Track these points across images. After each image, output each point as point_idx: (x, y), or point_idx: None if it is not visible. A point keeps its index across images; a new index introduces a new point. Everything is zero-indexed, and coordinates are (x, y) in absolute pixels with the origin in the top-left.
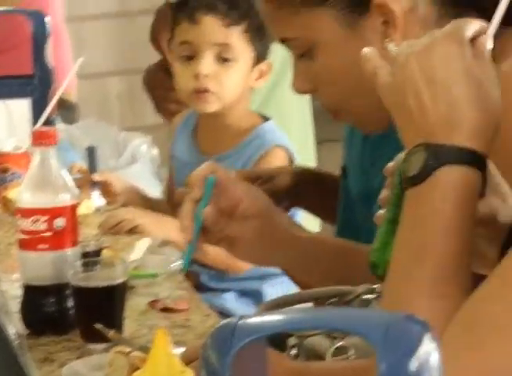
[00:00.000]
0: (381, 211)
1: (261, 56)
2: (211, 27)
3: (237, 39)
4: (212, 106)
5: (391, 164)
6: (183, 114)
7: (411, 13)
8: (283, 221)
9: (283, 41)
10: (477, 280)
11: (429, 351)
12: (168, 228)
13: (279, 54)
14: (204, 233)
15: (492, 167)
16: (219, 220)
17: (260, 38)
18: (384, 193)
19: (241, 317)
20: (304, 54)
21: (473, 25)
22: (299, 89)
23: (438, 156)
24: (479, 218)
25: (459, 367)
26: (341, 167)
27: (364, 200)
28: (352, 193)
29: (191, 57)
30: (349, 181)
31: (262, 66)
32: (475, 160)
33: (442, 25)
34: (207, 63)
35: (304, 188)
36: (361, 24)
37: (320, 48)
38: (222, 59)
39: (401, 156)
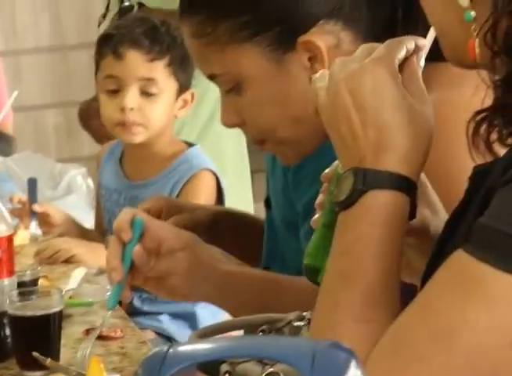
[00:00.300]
0: (317, 216)
1: (184, 86)
2: (135, 62)
3: (161, 73)
4: (138, 137)
5: (327, 171)
6: (108, 144)
7: (336, 49)
8: (210, 253)
9: (211, 77)
10: (406, 290)
11: None
12: (103, 257)
13: (215, 89)
14: (133, 272)
15: (425, 179)
16: (148, 259)
17: (183, 70)
18: (321, 198)
19: (171, 346)
20: (231, 89)
21: (405, 45)
22: (227, 123)
23: (366, 181)
24: (412, 227)
25: None
26: (265, 199)
27: (288, 227)
28: (276, 223)
29: (116, 91)
30: (273, 212)
31: (186, 95)
32: (403, 184)
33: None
34: (132, 97)
35: (223, 226)
36: (287, 60)
37: (248, 83)
38: (147, 93)
39: (337, 163)
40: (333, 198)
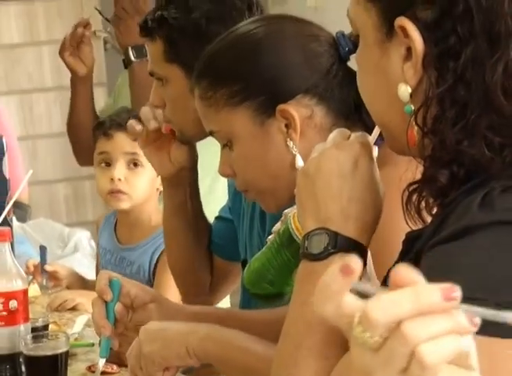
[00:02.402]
0: (270, 237)
1: None
2: (121, 141)
3: None
4: (125, 203)
5: (286, 211)
6: (106, 213)
7: (309, 120)
8: (174, 303)
9: (211, 133)
10: None
11: None
12: None
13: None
14: (117, 325)
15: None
16: (126, 312)
17: None
18: (277, 226)
19: None
20: (226, 144)
21: (364, 136)
22: (222, 173)
23: (337, 243)
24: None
25: None
26: (241, 261)
27: None
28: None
29: (108, 164)
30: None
31: None
32: (361, 250)
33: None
34: (120, 169)
35: None
36: (269, 124)
37: (237, 140)
38: (133, 165)
39: (289, 211)
40: (301, 246)
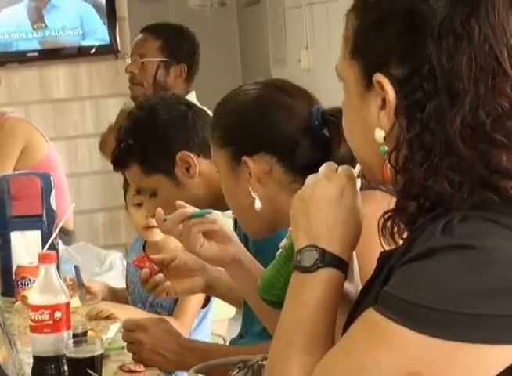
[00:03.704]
0: (278, 253)
1: None
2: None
3: None
4: (158, 236)
5: (290, 229)
6: (133, 237)
7: (268, 174)
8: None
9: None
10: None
11: None
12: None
13: None
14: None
15: (354, 256)
16: None
17: None
18: (283, 242)
19: None
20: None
21: (349, 169)
22: None
23: (325, 260)
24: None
25: None
26: None
27: None
28: None
29: (140, 205)
30: None
31: None
32: (344, 266)
33: (296, 188)
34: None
35: None
36: (238, 170)
37: (220, 174)
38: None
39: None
40: (293, 258)
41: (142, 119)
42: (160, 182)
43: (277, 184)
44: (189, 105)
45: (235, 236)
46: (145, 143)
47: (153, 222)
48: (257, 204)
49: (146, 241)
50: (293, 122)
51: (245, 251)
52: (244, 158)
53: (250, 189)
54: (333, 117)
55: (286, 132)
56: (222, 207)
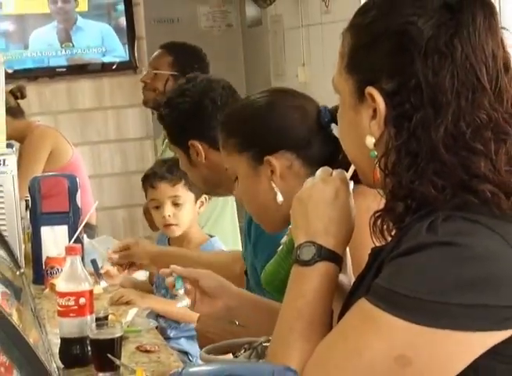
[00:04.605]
0: (279, 248)
1: (198, 194)
2: (164, 189)
3: (181, 190)
4: (175, 233)
5: (290, 226)
6: (158, 232)
7: (289, 169)
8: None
9: (226, 168)
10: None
11: None
12: (149, 301)
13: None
14: None
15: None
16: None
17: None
18: (284, 238)
19: (184, 367)
20: (236, 179)
21: (342, 173)
22: (236, 197)
23: (321, 254)
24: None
25: None
26: (244, 271)
27: (257, 285)
28: (251, 284)
29: (158, 207)
30: (249, 277)
31: (202, 198)
32: (338, 260)
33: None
34: (167, 210)
35: None
36: (259, 169)
37: (239, 177)
38: (176, 205)
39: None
40: (293, 254)
41: (172, 98)
42: (181, 157)
43: (296, 178)
44: (214, 100)
45: (222, 287)
46: (169, 121)
47: (170, 221)
48: (280, 198)
49: (169, 238)
50: (307, 120)
51: (234, 295)
52: (267, 158)
53: (274, 184)
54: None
55: (302, 130)
56: (224, 189)
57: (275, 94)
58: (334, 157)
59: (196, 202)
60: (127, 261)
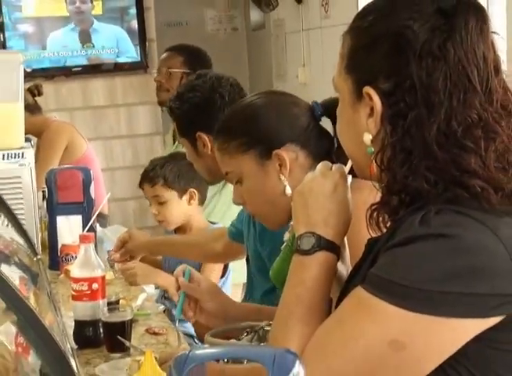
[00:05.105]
0: (283, 246)
1: (182, 190)
2: (147, 190)
3: (161, 190)
4: (167, 227)
5: (291, 223)
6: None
7: (295, 161)
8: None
9: (226, 173)
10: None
11: (298, 371)
12: (156, 278)
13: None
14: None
15: (345, 240)
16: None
17: (178, 182)
18: (286, 235)
19: (191, 350)
20: (237, 181)
21: (341, 168)
22: (235, 202)
23: (321, 244)
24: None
25: (309, 372)
26: (246, 258)
27: (260, 272)
28: (252, 271)
29: (162, 203)
30: (250, 264)
31: (189, 192)
32: (336, 249)
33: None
34: (153, 208)
35: None
36: (267, 165)
37: (244, 177)
38: (160, 203)
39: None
40: (294, 244)
41: (183, 93)
42: (188, 149)
43: (301, 169)
44: (223, 96)
45: (224, 311)
46: (179, 114)
47: (157, 218)
48: (288, 190)
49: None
50: (304, 115)
51: (234, 315)
52: (276, 151)
53: (283, 177)
54: (329, 105)
55: (302, 122)
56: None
57: (269, 94)
58: (330, 149)
59: (181, 198)
60: (128, 256)
